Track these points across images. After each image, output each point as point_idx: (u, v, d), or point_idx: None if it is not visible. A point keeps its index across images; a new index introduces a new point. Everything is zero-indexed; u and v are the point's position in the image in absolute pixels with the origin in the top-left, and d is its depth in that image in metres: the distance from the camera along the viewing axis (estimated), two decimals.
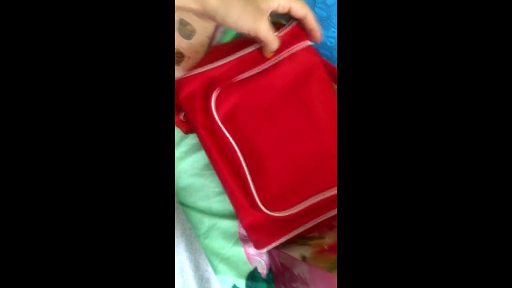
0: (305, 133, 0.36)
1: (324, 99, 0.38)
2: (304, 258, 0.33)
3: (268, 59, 0.37)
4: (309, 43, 0.39)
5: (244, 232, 0.42)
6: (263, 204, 0.35)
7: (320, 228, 0.41)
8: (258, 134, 0.36)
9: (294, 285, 0.36)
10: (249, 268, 0.42)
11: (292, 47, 0.37)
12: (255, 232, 0.36)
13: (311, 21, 0.37)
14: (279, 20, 0.45)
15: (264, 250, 0.36)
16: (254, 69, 0.36)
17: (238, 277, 0.41)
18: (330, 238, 0.38)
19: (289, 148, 0.36)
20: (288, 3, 0.35)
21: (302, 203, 0.36)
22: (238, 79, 0.36)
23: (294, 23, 0.39)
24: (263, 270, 0.42)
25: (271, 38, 0.34)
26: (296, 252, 0.35)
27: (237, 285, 0.41)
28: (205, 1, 0.30)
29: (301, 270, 0.33)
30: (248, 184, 0.35)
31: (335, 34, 0.48)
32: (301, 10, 0.36)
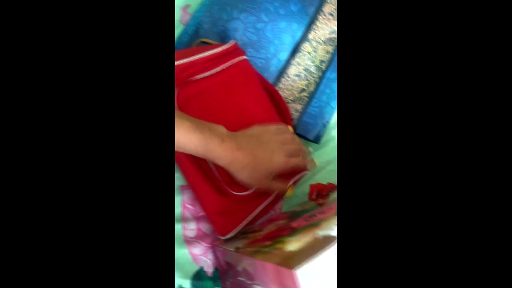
0: (254, 120, 0.44)
1: (256, 98, 0.47)
2: (237, 249, 0.37)
3: (219, 64, 0.44)
4: (245, 57, 0.49)
5: (189, 234, 0.46)
6: (229, 187, 0.40)
7: (262, 223, 0.46)
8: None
9: (240, 279, 0.40)
10: (195, 268, 0.45)
11: (235, 59, 0.47)
12: (220, 217, 0.41)
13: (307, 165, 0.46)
14: (209, 40, 0.51)
15: (230, 235, 0.41)
16: (206, 72, 0.43)
17: (183, 277, 0.44)
18: (267, 230, 0.42)
19: None
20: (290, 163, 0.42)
21: None
22: (194, 79, 0.42)
23: (233, 41, 0.49)
24: (208, 269, 0.45)
25: (278, 188, 0.43)
26: (232, 245, 0.39)
27: (183, 285, 0.44)
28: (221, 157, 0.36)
29: (244, 265, 0.37)
30: (212, 171, 0.40)
31: (264, 56, 0.54)
32: (300, 167, 0.45)
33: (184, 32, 0.53)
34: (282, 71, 0.55)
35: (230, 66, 0.46)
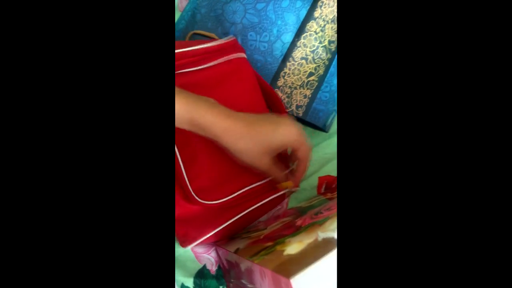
0: None
1: (252, 100, 0.42)
2: (237, 250, 0.35)
3: (212, 59, 0.40)
4: (243, 55, 0.45)
5: None
6: (195, 194, 0.36)
7: (267, 221, 0.43)
8: None
9: (242, 281, 0.38)
10: (198, 266, 0.43)
11: (231, 55, 0.42)
12: (184, 225, 0.37)
13: (304, 166, 0.38)
14: (202, 32, 0.48)
15: (190, 246, 0.37)
16: (196, 67, 0.39)
17: (186, 276, 0.42)
18: (271, 229, 0.40)
19: None
20: (297, 145, 0.35)
21: (233, 194, 0.37)
22: (182, 71, 0.38)
23: (232, 37, 0.45)
24: (212, 267, 0.43)
25: (278, 173, 0.35)
26: (233, 246, 0.37)
27: (186, 284, 0.42)
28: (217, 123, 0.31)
29: (245, 267, 0.35)
30: (182, 174, 0.36)
31: (267, 39, 0.51)
32: (305, 154, 0.36)
33: (180, 19, 0.50)
34: (287, 55, 0.51)
35: (224, 62, 0.42)
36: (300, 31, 0.50)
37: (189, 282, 0.42)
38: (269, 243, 0.33)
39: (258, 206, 0.39)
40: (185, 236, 0.37)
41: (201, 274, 0.43)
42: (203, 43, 0.42)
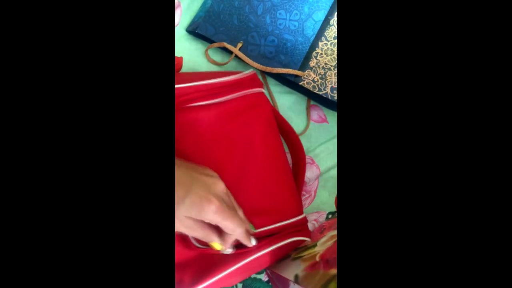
0: (248, 171, 0.36)
1: (265, 138, 0.38)
2: (296, 278, 0.34)
3: (224, 95, 0.36)
4: (262, 90, 0.40)
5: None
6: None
7: (312, 235, 0.41)
8: (199, 161, 0.34)
9: None
10: None
11: (248, 90, 0.38)
12: (179, 271, 0.33)
13: (239, 237, 0.31)
14: (228, 45, 0.40)
15: None
16: (213, 100, 0.36)
17: None
18: (322, 246, 0.36)
19: (232, 180, 0.34)
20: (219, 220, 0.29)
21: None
22: (196, 104, 0.35)
23: (252, 71, 0.40)
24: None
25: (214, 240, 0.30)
26: (289, 272, 0.35)
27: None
28: None
29: None
30: None
31: (298, 17, 0.43)
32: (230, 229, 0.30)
33: (203, 4, 0.42)
34: (320, 34, 0.44)
35: (240, 97, 0.37)
36: (333, 8, 0.43)
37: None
38: (333, 270, 0.31)
39: (259, 256, 0.34)
40: (179, 284, 0.34)
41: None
42: (220, 76, 0.37)
